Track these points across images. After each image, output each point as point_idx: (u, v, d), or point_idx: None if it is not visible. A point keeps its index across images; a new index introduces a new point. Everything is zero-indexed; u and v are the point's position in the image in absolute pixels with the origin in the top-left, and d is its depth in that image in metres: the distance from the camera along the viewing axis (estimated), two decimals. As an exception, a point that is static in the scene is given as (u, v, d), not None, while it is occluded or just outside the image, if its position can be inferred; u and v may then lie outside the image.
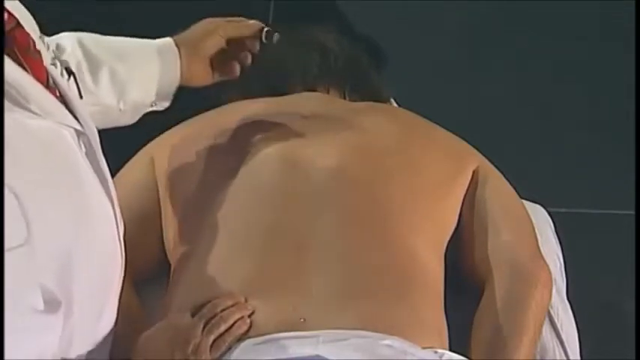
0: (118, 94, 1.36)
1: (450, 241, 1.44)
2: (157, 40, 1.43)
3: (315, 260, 1.30)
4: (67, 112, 0.97)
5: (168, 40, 1.44)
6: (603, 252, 2.07)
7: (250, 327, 1.24)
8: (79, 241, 0.96)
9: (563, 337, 1.45)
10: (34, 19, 1.10)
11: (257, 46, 1.51)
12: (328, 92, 1.66)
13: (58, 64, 1.11)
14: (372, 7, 2.48)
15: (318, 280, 1.28)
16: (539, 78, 2.36)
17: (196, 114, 1.56)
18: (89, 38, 1.34)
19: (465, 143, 1.54)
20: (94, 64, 1.32)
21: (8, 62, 0.90)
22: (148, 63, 1.40)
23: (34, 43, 0.98)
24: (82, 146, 0.98)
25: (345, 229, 1.34)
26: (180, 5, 2.46)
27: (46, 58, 1.03)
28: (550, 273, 1.42)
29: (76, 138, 0.98)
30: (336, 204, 1.37)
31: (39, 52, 0.98)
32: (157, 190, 1.46)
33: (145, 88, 1.40)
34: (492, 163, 1.53)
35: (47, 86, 0.96)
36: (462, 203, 1.46)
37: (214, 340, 1.21)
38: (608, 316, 1.97)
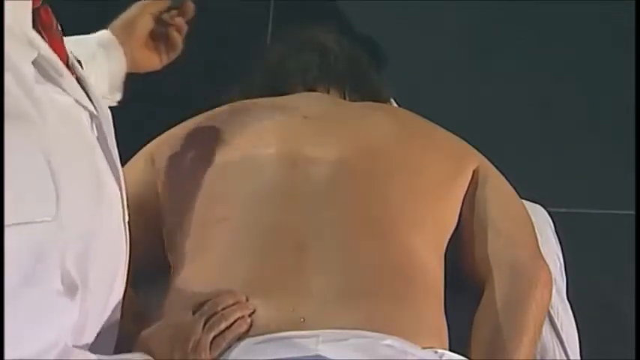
0: None
1: (450, 241, 1.44)
2: (95, 35, 1.41)
3: (315, 260, 1.31)
4: (84, 94, 0.97)
5: (105, 32, 1.42)
6: (603, 252, 2.07)
7: (250, 326, 1.24)
8: (97, 224, 0.95)
9: (563, 337, 1.45)
10: None
11: (191, 11, 1.49)
12: (328, 92, 1.66)
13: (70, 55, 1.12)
14: (372, 7, 2.48)
15: (318, 280, 1.28)
16: (539, 78, 2.36)
17: (196, 114, 1.56)
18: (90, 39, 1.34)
19: (464, 143, 1.54)
20: None
21: (39, 39, 0.91)
22: (94, 59, 1.38)
23: (57, 23, 0.99)
24: (95, 130, 0.98)
25: (345, 229, 1.34)
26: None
27: None
28: (550, 273, 1.42)
29: (89, 120, 0.97)
30: (335, 204, 1.37)
31: (61, 32, 0.99)
32: (157, 190, 1.46)
33: (98, 85, 1.37)
34: (492, 163, 1.53)
35: (67, 65, 0.97)
36: (462, 203, 1.46)
37: (214, 338, 1.21)
38: (608, 316, 1.97)
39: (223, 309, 1.23)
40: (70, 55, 1.00)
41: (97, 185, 0.97)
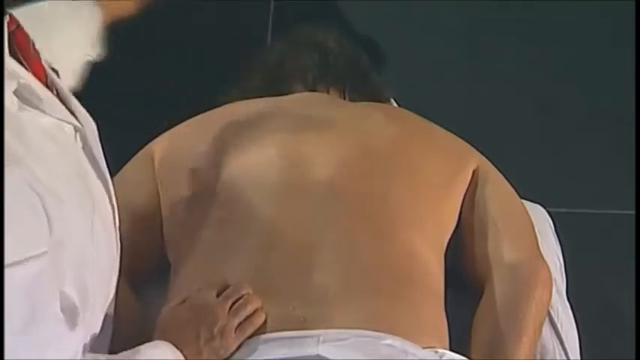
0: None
1: (450, 241, 1.44)
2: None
3: (315, 260, 1.31)
4: (65, 109, 0.96)
5: None
6: (603, 252, 2.07)
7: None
8: (90, 238, 0.95)
9: (563, 336, 1.45)
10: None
11: None
12: (328, 92, 1.66)
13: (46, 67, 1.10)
14: (372, 7, 2.48)
15: (319, 280, 1.28)
16: (540, 78, 2.36)
17: (196, 114, 1.56)
18: None
19: (465, 143, 1.54)
20: None
21: (15, 63, 0.89)
22: (68, 20, 1.27)
23: (33, 43, 0.97)
24: (79, 141, 0.97)
25: (345, 228, 1.34)
26: (181, 4, 2.46)
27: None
28: (550, 273, 1.42)
29: (73, 133, 0.97)
30: (336, 204, 1.37)
31: (38, 51, 0.98)
32: (157, 190, 1.46)
33: (75, 46, 1.29)
34: (492, 163, 1.53)
35: (46, 85, 0.96)
36: (462, 203, 1.46)
37: (239, 324, 1.22)
38: (608, 316, 1.97)
39: (241, 297, 1.24)
40: (48, 72, 0.98)
41: (87, 200, 0.96)
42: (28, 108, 0.88)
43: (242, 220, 1.36)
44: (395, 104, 1.78)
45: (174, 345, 1.15)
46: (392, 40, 2.40)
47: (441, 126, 1.55)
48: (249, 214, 1.37)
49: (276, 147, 1.43)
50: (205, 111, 1.57)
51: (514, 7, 2.47)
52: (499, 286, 1.38)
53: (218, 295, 1.25)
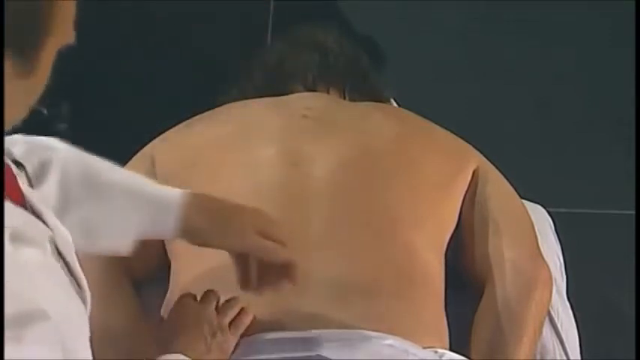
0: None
1: (450, 241, 1.44)
2: (167, 194, 1.21)
3: (315, 260, 1.31)
4: (40, 223, 0.93)
5: (179, 197, 1.20)
6: (603, 252, 2.07)
7: (251, 326, 1.24)
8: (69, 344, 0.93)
9: (563, 336, 1.45)
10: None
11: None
12: (328, 92, 1.66)
13: (10, 163, 1.06)
14: (372, 7, 2.48)
15: (319, 280, 1.28)
16: (539, 78, 2.36)
17: (196, 114, 1.56)
18: (76, 170, 1.17)
19: (465, 143, 1.54)
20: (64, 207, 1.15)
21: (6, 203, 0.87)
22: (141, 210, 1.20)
23: (10, 168, 0.94)
24: (49, 248, 0.94)
25: (345, 228, 1.35)
26: (181, 4, 2.46)
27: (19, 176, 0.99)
28: (550, 273, 1.42)
29: (49, 243, 0.94)
30: (336, 203, 1.37)
31: (15, 176, 0.94)
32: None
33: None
34: (492, 163, 1.53)
35: (23, 204, 0.93)
36: (462, 203, 1.46)
37: (230, 323, 1.22)
38: (608, 316, 1.97)
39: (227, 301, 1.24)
40: (24, 193, 0.93)
41: (81, 309, 0.95)
42: (25, 246, 0.86)
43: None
44: (395, 104, 1.78)
45: (184, 350, 1.15)
46: (392, 40, 2.40)
47: (441, 126, 1.55)
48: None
49: (276, 147, 1.43)
50: (205, 111, 1.57)
51: (514, 6, 2.47)
52: (499, 286, 1.38)
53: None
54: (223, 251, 1.33)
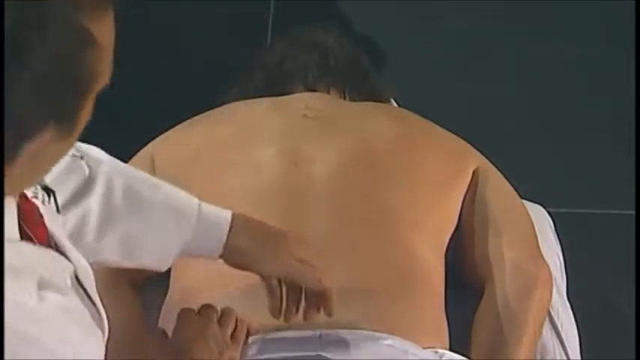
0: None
1: (450, 241, 1.44)
2: (203, 210, 1.20)
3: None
4: (63, 259, 0.94)
5: (218, 215, 1.20)
6: (603, 252, 2.07)
7: (250, 326, 1.24)
8: None
9: (564, 336, 1.45)
10: None
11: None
12: (328, 92, 1.66)
13: (39, 191, 1.05)
14: (372, 7, 2.48)
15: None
16: (540, 78, 2.36)
17: (196, 114, 1.56)
18: (120, 185, 1.17)
19: (465, 143, 1.54)
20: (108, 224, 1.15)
21: (38, 253, 0.87)
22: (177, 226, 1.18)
23: (37, 208, 0.94)
24: (73, 282, 0.95)
25: (345, 228, 1.35)
26: (181, 4, 2.46)
27: (30, 192, 0.98)
28: (550, 273, 1.42)
29: (72, 279, 0.95)
30: (336, 203, 1.37)
31: (42, 215, 0.94)
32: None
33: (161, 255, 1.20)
34: (492, 163, 1.53)
35: (48, 244, 0.92)
36: (462, 203, 1.46)
37: (232, 334, 1.22)
38: (608, 316, 1.97)
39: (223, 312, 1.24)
40: (49, 230, 0.93)
41: (101, 348, 0.96)
42: (44, 292, 0.87)
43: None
44: (395, 104, 1.78)
45: None
46: (392, 40, 2.40)
47: (441, 126, 1.55)
48: (249, 214, 1.37)
49: (277, 147, 1.43)
50: (205, 111, 1.57)
51: (514, 7, 2.47)
52: (499, 286, 1.38)
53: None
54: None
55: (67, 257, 0.94)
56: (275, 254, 1.20)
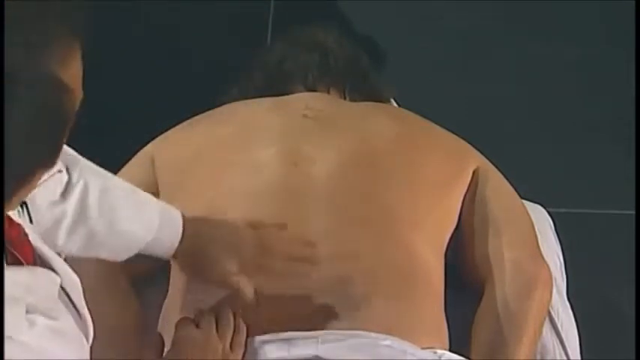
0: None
1: (450, 241, 1.44)
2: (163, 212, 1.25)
3: (315, 259, 1.31)
4: (50, 273, 0.96)
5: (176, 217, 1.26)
6: (603, 252, 2.07)
7: (250, 327, 1.24)
8: None
9: (564, 336, 1.45)
10: None
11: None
12: (328, 92, 1.66)
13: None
14: (372, 7, 2.48)
15: (318, 280, 1.28)
16: (540, 78, 2.36)
17: (196, 114, 1.56)
18: (94, 187, 1.20)
19: (465, 143, 1.54)
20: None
21: (17, 271, 0.90)
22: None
23: (22, 229, 0.97)
24: (63, 297, 0.98)
25: (345, 228, 1.34)
26: (181, 4, 2.46)
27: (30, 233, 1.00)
28: (550, 273, 1.42)
29: (59, 291, 0.97)
30: (336, 203, 1.37)
31: (27, 234, 0.98)
32: (157, 190, 1.46)
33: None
34: (492, 163, 1.53)
35: (34, 262, 0.96)
36: (463, 203, 1.46)
37: (231, 342, 1.22)
38: (608, 316, 1.97)
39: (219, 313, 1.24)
40: (34, 247, 0.97)
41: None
42: (32, 315, 0.90)
43: (242, 220, 1.36)
44: (395, 104, 1.78)
45: None
46: (392, 40, 2.40)
47: (441, 126, 1.55)
48: (249, 214, 1.37)
49: (277, 146, 1.43)
50: (205, 111, 1.57)
51: (514, 6, 2.47)
52: (499, 286, 1.38)
53: (198, 325, 1.24)
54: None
55: (52, 269, 0.97)
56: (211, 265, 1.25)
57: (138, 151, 1.54)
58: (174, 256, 1.25)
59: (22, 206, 1.08)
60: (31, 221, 1.09)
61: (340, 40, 1.73)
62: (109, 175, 1.24)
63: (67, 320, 0.97)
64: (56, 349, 0.92)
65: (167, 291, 1.38)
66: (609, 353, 1.84)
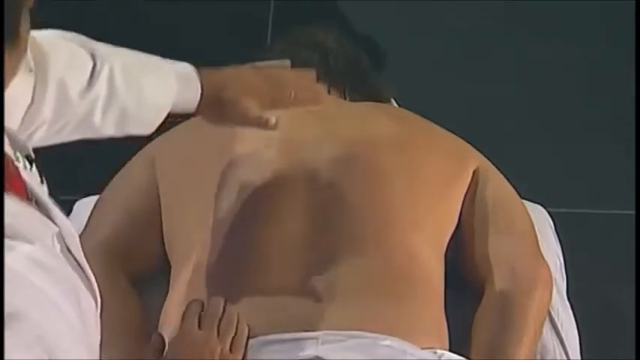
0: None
1: (450, 241, 1.44)
2: (179, 67, 1.33)
3: (314, 260, 1.31)
4: (46, 219, 0.94)
5: (190, 71, 1.32)
6: (603, 252, 2.07)
7: (251, 328, 1.24)
8: (87, 348, 0.93)
9: (564, 336, 1.45)
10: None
11: None
12: (329, 92, 1.66)
13: (20, 157, 1.07)
14: (372, 7, 2.48)
15: (318, 280, 1.28)
16: (539, 78, 2.36)
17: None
18: (117, 65, 1.26)
19: (465, 143, 1.54)
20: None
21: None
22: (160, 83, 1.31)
23: (11, 160, 0.95)
24: (56, 244, 0.95)
25: (345, 228, 1.34)
26: (182, 5, 2.46)
27: (12, 155, 1.00)
28: (550, 273, 1.42)
29: (53, 239, 0.95)
30: (335, 203, 1.37)
31: (16, 167, 0.95)
32: (158, 190, 1.46)
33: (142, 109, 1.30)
34: (492, 163, 1.53)
35: (27, 197, 0.93)
36: (463, 203, 1.46)
37: (231, 343, 1.22)
38: (608, 316, 1.97)
39: (223, 312, 1.24)
40: (27, 184, 0.95)
41: (78, 310, 0.94)
42: (15, 241, 0.86)
43: (242, 220, 1.36)
44: (395, 104, 1.78)
45: None
46: (392, 40, 2.40)
47: (441, 126, 1.55)
48: (248, 214, 1.37)
49: (277, 146, 1.43)
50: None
51: (514, 6, 2.47)
52: (499, 286, 1.38)
53: (200, 322, 1.24)
54: (222, 253, 1.33)
55: (50, 219, 0.94)
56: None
57: (138, 151, 1.53)
58: (197, 110, 1.30)
59: (30, 162, 1.07)
60: (42, 180, 1.07)
61: (340, 40, 1.72)
62: (125, 50, 1.30)
63: (63, 266, 0.93)
64: (43, 285, 0.86)
65: (167, 291, 1.38)
66: (609, 353, 1.84)
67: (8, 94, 1.03)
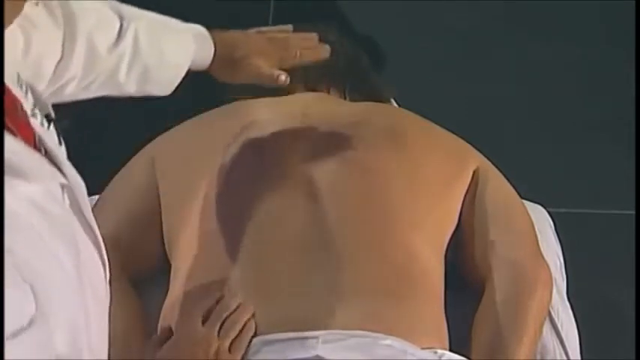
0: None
1: (450, 241, 1.44)
2: (194, 27, 1.45)
3: (315, 260, 1.31)
4: (54, 169, 0.93)
5: (203, 33, 1.45)
6: (603, 252, 2.07)
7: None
8: (82, 301, 0.92)
9: (564, 336, 1.45)
10: None
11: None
12: (329, 92, 1.66)
13: (38, 113, 1.06)
14: (372, 7, 2.48)
15: (318, 280, 1.29)
16: (539, 78, 2.36)
17: (197, 113, 1.56)
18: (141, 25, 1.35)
19: (465, 143, 1.54)
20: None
21: (8, 138, 0.85)
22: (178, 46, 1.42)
23: (21, 104, 0.95)
24: (66, 199, 0.94)
25: (345, 228, 1.34)
26: (181, 4, 2.46)
27: (29, 111, 0.99)
28: (550, 273, 1.42)
29: (60, 191, 0.93)
30: (335, 203, 1.37)
31: (25, 112, 0.95)
32: (158, 190, 1.46)
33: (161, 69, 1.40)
34: (492, 163, 1.53)
35: (35, 145, 0.92)
36: (463, 203, 1.46)
37: (232, 343, 1.22)
38: (608, 316, 1.97)
39: (230, 314, 1.24)
40: (36, 132, 0.94)
41: (78, 263, 0.93)
42: (13, 178, 0.84)
43: (242, 220, 1.36)
44: (395, 104, 1.78)
45: None
46: (392, 40, 2.40)
47: (441, 126, 1.55)
48: (248, 214, 1.37)
49: (276, 147, 1.44)
50: (206, 111, 1.57)
51: (514, 6, 2.47)
52: (499, 286, 1.38)
53: (204, 320, 1.24)
54: (223, 251, 1.33)
55: (60, 171, 0.93)
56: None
57: (137, 151, 1.53)
58: (210, 67, 1.42)
59: (48, 122, 1.06)
60: (60, 141, 1.07)
61: (340, 40, 1.73)
62: (147, 13, 1.38)
63: (69, 219, 0.91)
64: (43, 232, 0.85)
65: (167, 291, 1.38)
66: (609, 353, 1.84)
67: (38, 50, 1.14)
